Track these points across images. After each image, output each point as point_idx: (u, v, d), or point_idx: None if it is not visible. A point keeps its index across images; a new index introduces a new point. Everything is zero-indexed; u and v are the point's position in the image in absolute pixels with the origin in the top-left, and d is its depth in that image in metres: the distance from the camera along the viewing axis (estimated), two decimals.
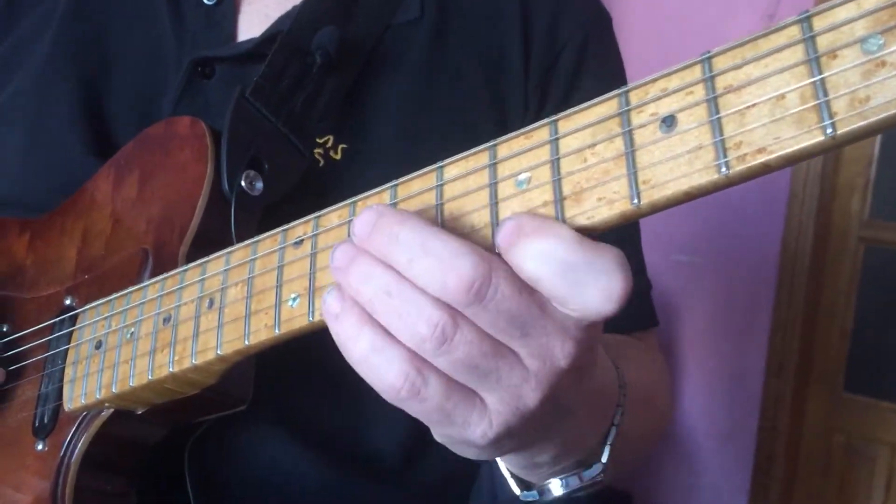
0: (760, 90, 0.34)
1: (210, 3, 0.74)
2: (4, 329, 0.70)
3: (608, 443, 0.53)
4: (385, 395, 0.40)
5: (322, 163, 0.70)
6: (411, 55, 0.74)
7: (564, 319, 0.38)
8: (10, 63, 0.79)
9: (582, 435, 0.51)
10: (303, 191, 0.67)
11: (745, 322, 2.30)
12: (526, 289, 0.37)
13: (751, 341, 2.28)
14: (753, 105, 0.34)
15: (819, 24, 0.33)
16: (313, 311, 0.46)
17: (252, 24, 0.75)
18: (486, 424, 0.40)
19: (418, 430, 0.72)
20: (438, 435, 0.44)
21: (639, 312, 0.80)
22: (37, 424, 0.63)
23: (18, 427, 0.65)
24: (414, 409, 0.40)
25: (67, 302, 0.66)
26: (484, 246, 0.39)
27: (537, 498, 0.54)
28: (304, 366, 0.64)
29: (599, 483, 0.53)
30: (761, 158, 0.34)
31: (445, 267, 0.37)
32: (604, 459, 0.53)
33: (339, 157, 0.70)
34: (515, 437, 0.42)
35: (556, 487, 0.52)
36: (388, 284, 0.38)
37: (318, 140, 0.70)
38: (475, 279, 0.36)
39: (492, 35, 0.75)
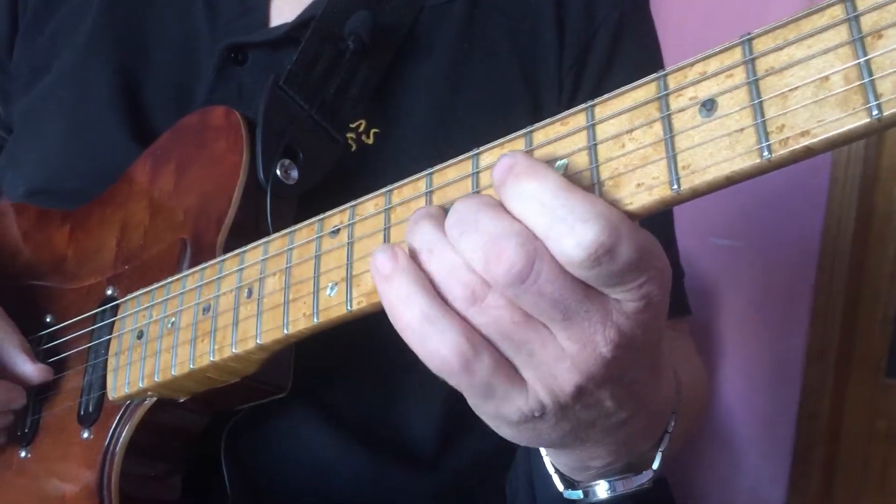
0: (803, 72, 0.33)
1: None
2: (48, 320, 0.72)
3: (660, 449, 0.52)
4: (433, 367, 0.39)
5: (354, 147, 0.70)
6: (444, 37, 0.73)
7: (608, 305, 0.38)
8: (49, 53, 0.80)
9: (637, 442, 0.50)
10: (336, 176, 0.67)
11: (785, 307, 2.26)
12: (570, 274, 0.37)
13: (791, 327, 2.25)
14: (796, 87, 0.33)
15: (863, 3, 0.32)
16: (351, 301, 0.46)
17: (284, 9, 0.75)
18: (522, 400, 0.40)
19: (454, 417, 0.72)
20: (473, 405, 0.43)
21: (671, 300, 0.78)
22: (82, 413, 0.65)
23: (64, 416, 0.67)
24: (460, 382, 0.40)
25: (108, 292, 0.67)
26: None
27: (581, 497, 0.53)
28: (340, 353, 0.65)
29: (645, 488, 0.52)
30: (804, 142, 0.33)
31: (490, 246, 0.36)
32: (655, 467, 0.52)
33: (371, 141, 0.70)
34: (551, 423, 0.42)
35: (602, 490, 0.52)
36: (432, 243, 0.39)
37: (350, 125, 0.70)
38: (516, 263, 0.36)
39: (525, 16, 0.75)
